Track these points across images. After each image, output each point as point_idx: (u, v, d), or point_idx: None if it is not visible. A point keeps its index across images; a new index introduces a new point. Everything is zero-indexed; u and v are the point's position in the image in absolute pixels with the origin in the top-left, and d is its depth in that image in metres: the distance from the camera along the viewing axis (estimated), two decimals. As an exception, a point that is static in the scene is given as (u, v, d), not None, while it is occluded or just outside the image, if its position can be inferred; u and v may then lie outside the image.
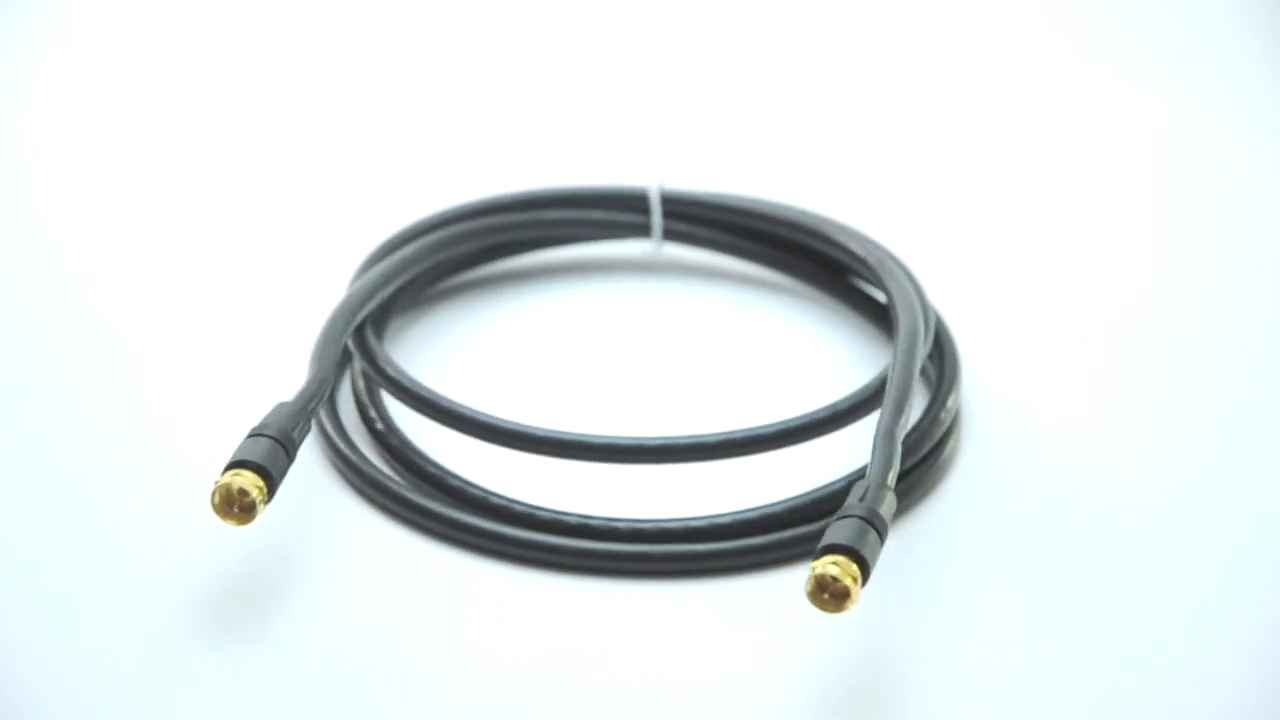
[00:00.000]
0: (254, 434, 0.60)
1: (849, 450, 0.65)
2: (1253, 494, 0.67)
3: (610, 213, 0.79)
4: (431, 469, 0.66)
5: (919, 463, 0.66)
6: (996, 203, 0.89)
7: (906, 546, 0.64)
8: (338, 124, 0.96)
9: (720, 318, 0.78)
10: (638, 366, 0.74)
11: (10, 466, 0.67)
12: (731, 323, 0.78)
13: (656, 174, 0.80)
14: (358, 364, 0.70)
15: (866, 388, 0.65)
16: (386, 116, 0.97)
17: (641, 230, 0.79)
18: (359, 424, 0.69)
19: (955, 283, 0.78)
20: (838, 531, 0.56)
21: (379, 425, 0.68)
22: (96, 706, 0.57)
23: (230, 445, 0.60)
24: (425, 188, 0.85)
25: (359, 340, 0.69)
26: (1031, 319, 0.79)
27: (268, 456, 0.59)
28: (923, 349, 0.66)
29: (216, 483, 0.58)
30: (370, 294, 0.70)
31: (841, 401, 0.65)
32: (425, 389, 0.66)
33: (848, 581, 0.55)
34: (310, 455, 0.68)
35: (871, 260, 0.73)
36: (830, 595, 0.55)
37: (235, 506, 0.59)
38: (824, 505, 0.62)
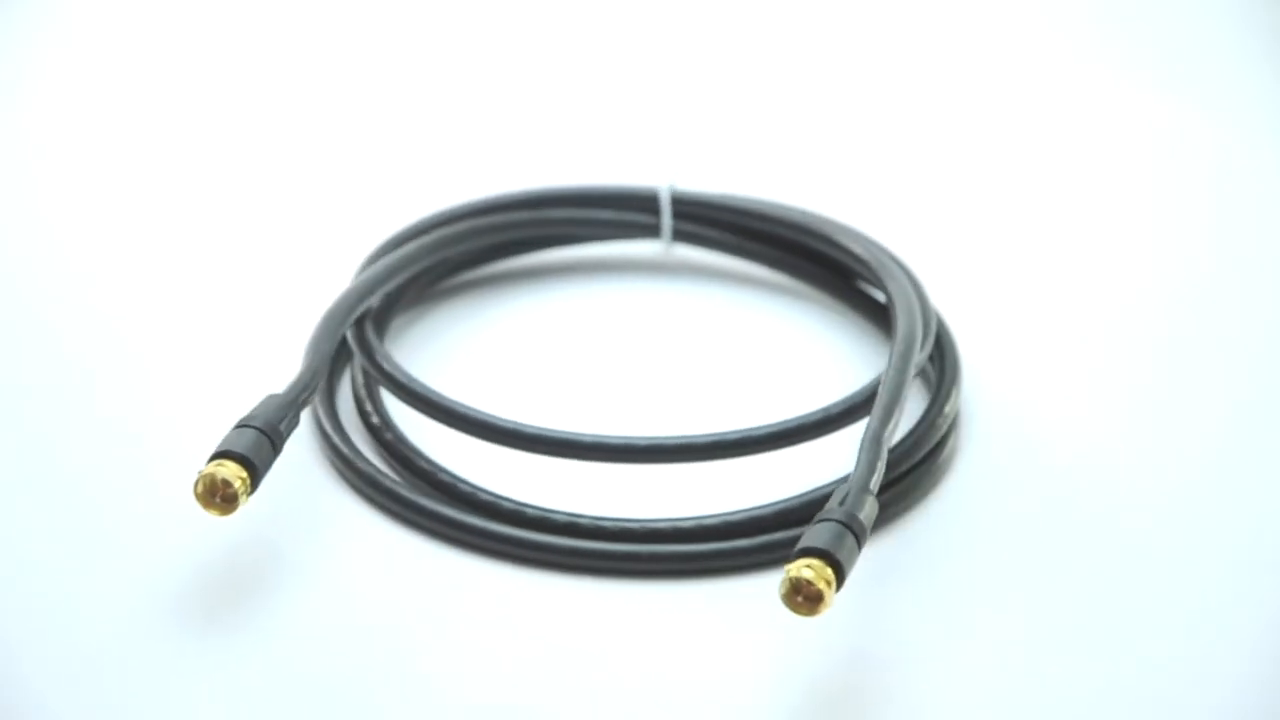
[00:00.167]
0: (240, 425, 0.60)
1: (847, 453, 0.65)
2: (1253, 494, 0.67)
3: (620, 213, 0.79)
4: (423, 464, 0.66)
5: (919, 463, 0.66)
6: (997, 203, 0.89)
7: (906, 546, 0.64)
8: (344, 121, 0.96)
9: (727, 319, 0.78)
10: (641, 366, 0.74)
11: (10, 466, 0.67)
12: (737, 324, 0.77)
13: (667, 174, 0.80)
14: (357, 360, 0.70)
15: (860, 392, 0.65)
16: (396, 113, 0.97)
17: (651, 231, 0.79)
18: (357, 421, 0.69)
19: (955, 283, 0.78)
20: (815, 535, 0.55)
21: (375, 419, 0.68)
22: (97, 706, 0.57)
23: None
24: (435, 185, 0.85)
25: (358, 336, 0.69)
26: (1031, 319, 0.79)
27: (252, 448, 0.59)
28: (919, 354, 0.66)
29: (200, 472, 0.59)
30: (370, 289, 0.70)
31: (834, 405, 0.65)
32: (420, 384, 0.66)
33: (821, 585, 0.55)
34: (309, 452, 0.68)
35: (873, 263, 0.73)
36: (804, 598, 0.55)
37: (218, 497, 0.59)
38: (814, 509, 0.62)
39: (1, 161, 0.91)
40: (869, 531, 0.57)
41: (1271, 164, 0.91)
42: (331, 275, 0.76)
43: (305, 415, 0.69)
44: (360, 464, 0.66)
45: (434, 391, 0.66)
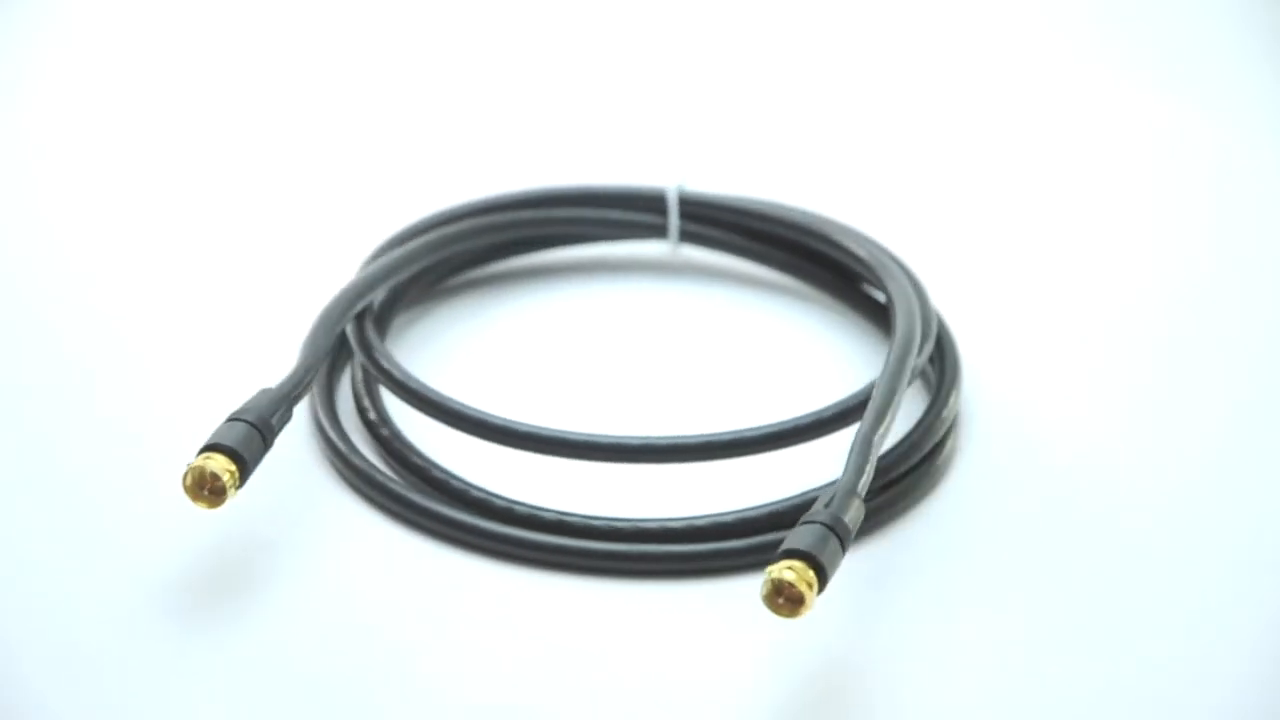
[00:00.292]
0: (232, 418, 0.60)
1: (845, 456, 0.65)
2: (1253, 494, 0.67)
3: (627, 213, 0.79)
4: (418, 461, 0.66)
5: (918, 464, 0.66)
6: (997, 203, 0.89)
7: (906, 547, 0.64)
8: (350, 119, 0.96)
9: (731, 320, 0.78)
10: (643, 366, 0.74)
11: (10, 466, 0.67)
12: (742, 325, 0.77)
13: (674, 175, 0.80)
14: (357, 357, 0.70)
15: (854, 396, 0.65)
16: (404, 110, 0.97)
17: (658, 231, 0.79)
18: (356, 418, 0.69)
19: (956, 283, 0.78)
20: (798, 537, 0.55)
21: (372, 415, 0.68)
22: (98, 706, 0.57)
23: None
24: (443, 183, 0.85)
25: (358, 333, 0.69)
26: (1031, 319, 0.79)
27: (242, 441, 0.60)
28: (915, 358, 0.66)
29: (189, 465, 0.59)
30: (369, 286, 0.70)
31: (827, 409, 0.65)
32: (414, 380, 0.66)
33: (803, 587, 0.54)
34: (307, 449, 0.68)
35: (875, 265, 0.73)
36: (785, 600, 0.55)
37: (206, 489, 0.59)
38: (807, 511, 0.62)
39: (1, 161, 0.91)
40: (854, 534, 0.57)
41: (1271, 164, 0.91)
42: (335, 273, 0.76)
43: (304, 412, 0.69)
44: (356, 460, 0.66)
45: (428, 387, 0.66)
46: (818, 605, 0.60)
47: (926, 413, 0.67)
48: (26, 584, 0.62)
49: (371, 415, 0.68)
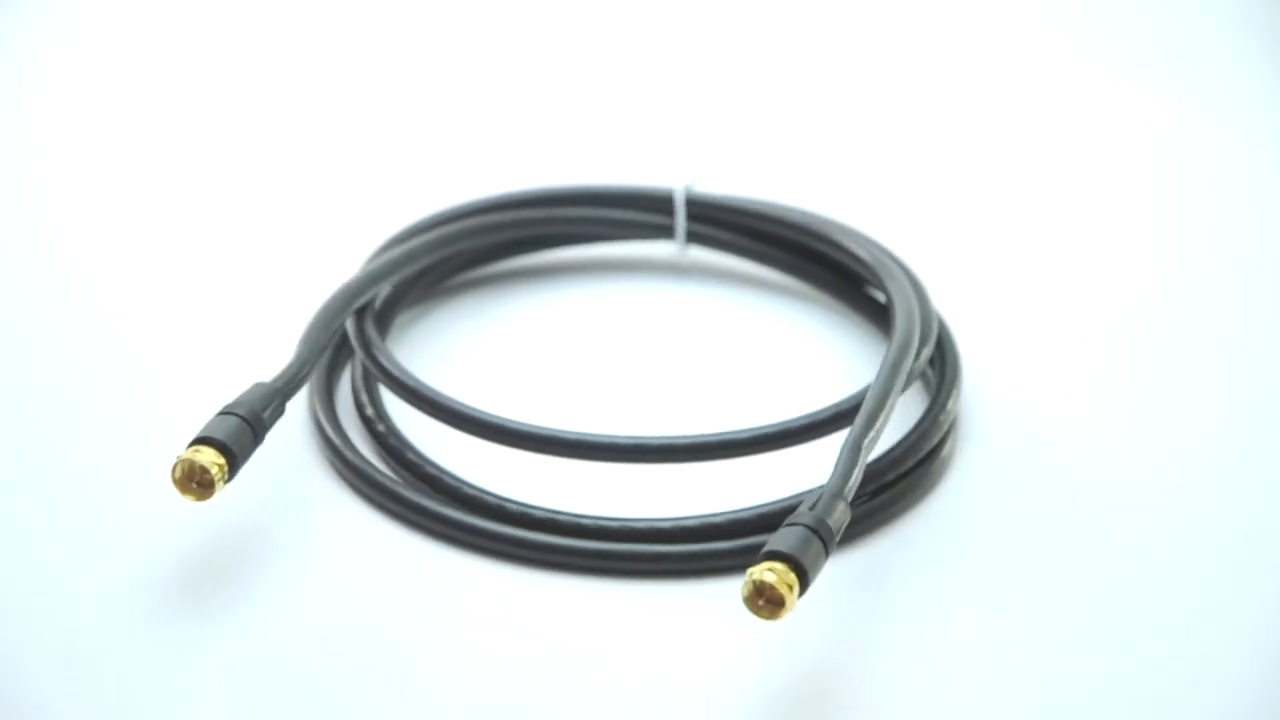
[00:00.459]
0: (223, 412, 0.61)
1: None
2: (1253, 494, 0.67)
3: (634, 213, 0.79)
4: (412, 457, 0.66)
5: (917, 464, 0.66)
6: (997, 203, 0.89)
7: (906, 547, 0.64)
8: (355, 118, 0.96)
9: (737, 321, 0.78)
10: (647, 367, 0.74)
11: (10, 466, 0.67)
12: (748, 326, 0.77)
13: (682, 176, 0.80)
14: (357, 355, 0.70)
15: (850, 399, 0.65)
16: (412, 108, 0.97)
17: (665, 232, 0.79)
18: (355, 415, 0.69)
19: (956, 283, 0.78)
20: (780, 539, 0.55)
21: (369, 411, 0.68)
22: (99, 706, 0.57)
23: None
24: (451, 182, 0.85)
25: (358, 330, 0.69)
26: (1031, 319, 0.79)
27: (232, 435, 0.60)
28: (912, 362, 0.65)
29: (178, 457, 0.59)
30: (369, 283, 0.70)
31: (821, 411, 0.64)
32: (409, 375, 0.66)
33: (783, 589, 0.54)
34: (305, 446, 0.68)
35: (876, 267, 0.73)
36: (766, 601, 0.55)
37: (194, 482, 0.59)
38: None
39: (1, 161, 0.91)
40: (838, 537, 0.56)
41: (1271, 164, 0.91)
42: (339, 272, 0.76)
43: (303, 409, 0.69)
44: (352, 457, 0.66)
45: (423, 384, 0.66)
46: (818, 605, 0.60)
47: (926, 414, 0.67)
48: (26, 583, 0.62)
49: (369, 411, 0.68)
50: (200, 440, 0.60)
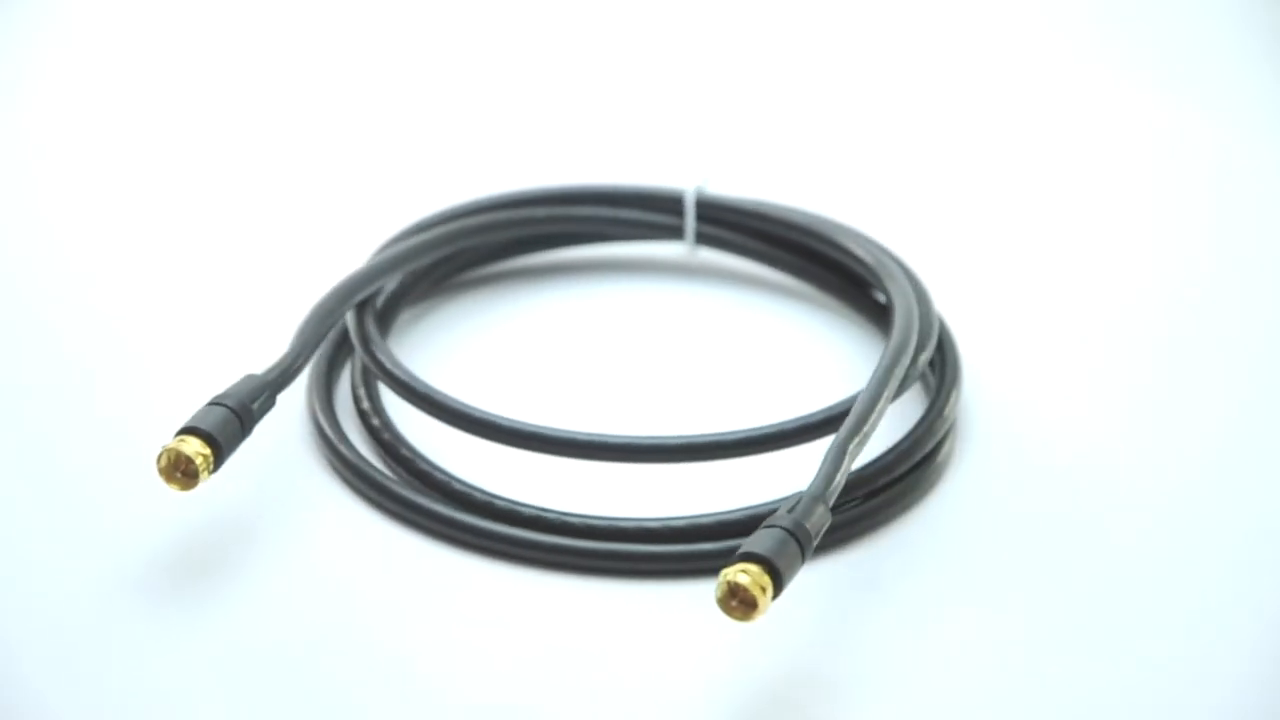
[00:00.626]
0: (212, 402, 0.61)
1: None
2: (1253, 494, 0.67)
3: (644, 213, 0.79)
4: (405, 452, 0.66)
5: (916, 464, 0.66)
6: (997, 203, 0.89)
7: (905, 548, 0.64)
8: (363, 116, 0.96)
9: (744, 323, 0.78)
10: (650, 367, 0.74)
11: (10, 466, 0.67)
12: (753, 328, 0.77)
13: (693, 177, 0.80)
14: (358, 352, 0.70)
15: (843, 402, 0.65)
16: (423, 107, 0.97)
17: (675, 233, 0.79)
18: (353, 411, 0.69)
19: (956, 283, 0.78)
20: (756, 540, 0.55)
21: (365, 404, 0.68)
22: (100, 705, 0.57)
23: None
24: (461, 180, 0.85)
25: (358, 326, 0.69)
26: (1031, 319, 0.79)
27: (218, 426, 0.60)
28: (908, 366, 0.65)
29: (164, 447, 0.59)
30: (370, 279, 0.70)
31: (814, 414, 0.64)
32: (403, 370, 0.66)
33: (755, 591, 0.54)
34: (303, 443, 0.68)
35: (878, 269, 0.73)
36: (739, 603, 0.55)
37: (179, 472, 0.60)
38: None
39: (1, 161, 0.91)
40: (816, 541, 0.56)
41: (1271, 164, 0.91)
42: (345, 270, 0.76)
43: (301, 404, 0.69)
44: (348, 453, 0.66)
45: (416, 378, 0.66)
46: (817, 605, 0.60)
47: (925, 415, 0.67)
48: (26, 583, 0.62)
49: (365, 404, 0.68)
50: (186, 430, 0.60)
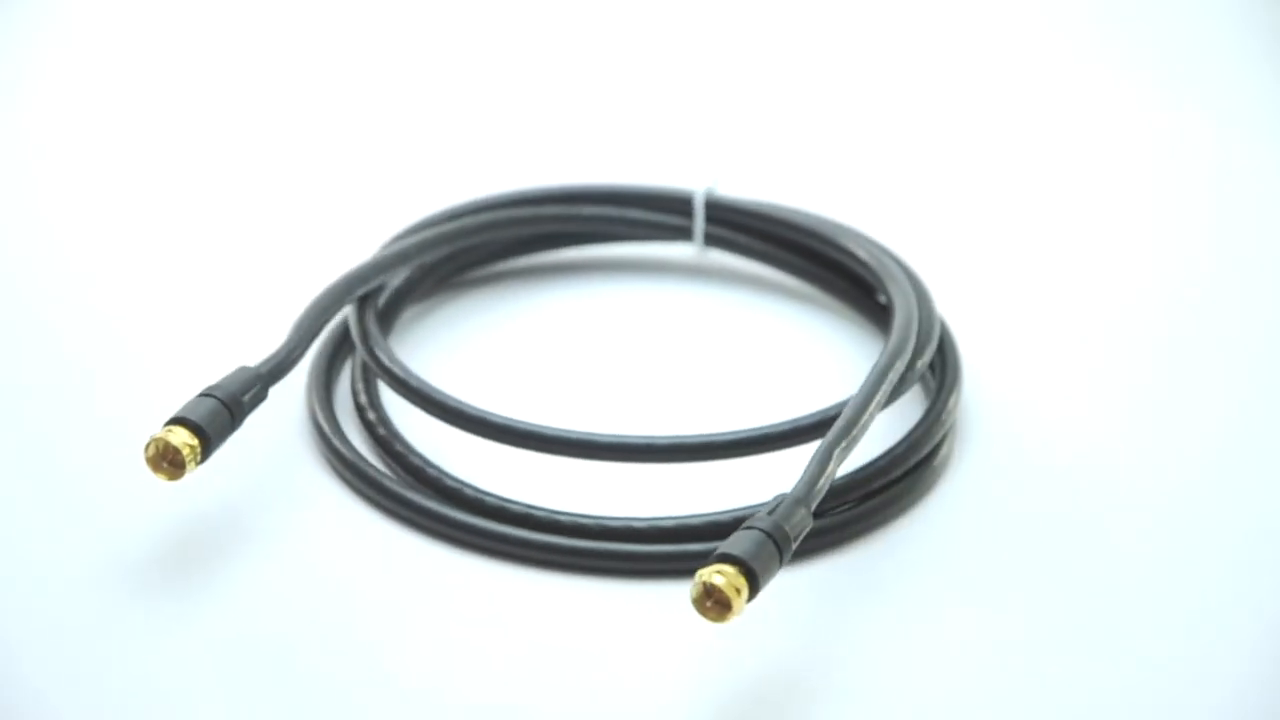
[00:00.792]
0: (202, 393, 0.61)
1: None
2: (1253, 495, 0.67)
3: (653, 213, 0.79)
4: (399, 448, 0.66)
5: (916, 465, 0.66)
6: (997, 203, 0.89)
7: (904, 548, 0.64)
8: (371, 114, 0.96)
9: (749, 325, 0.78)
10: (655, 367, 0.74)
11: (10, 466, 0.67)
12: (759, 330, 0.77)
13: (703, 178, 0.80)
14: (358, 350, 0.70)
15: (835, 405, 0.64)
16: (431, 105, 0.97)
17: (684, 233, 0.79)
18: (352, 408, 0.69)
19: (956, 283, 0.78)
20: (734, 542, 0.55)
21: (362, 399, 0.68)
22: (101, 705, 0.57)
23: (230, 445, 0.61)
24: (471, 178, 0.85)
25: (358, 323, 0.69)
26: (1031, 320, 0.79)
27: (207, 417, 0.60)
28: (901, 371, 0.65)
29: (152, 436, 0.59)
30: (372, 273, 0.70)
31: (807, 417, 0.64)
32: (400, 366, 0.66)
33: (730, 593, 0.54)
34: (302, 440, 0.68)
35: (879, 271, 0.73)
36: (714, 603, 0.54)
37: (166, 461, 0.60)
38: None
39: (1, 161, 0.91)
40: (796, 543, 0.56)
41: (1271, 164, 0.91)
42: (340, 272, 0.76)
43: (300, 401, 0.69)
44: (345, 450, 0.66)
45: (412, 375, 0.66)
46: (817, 605, 0.60)
47: (925, 415, 0.67)
48: (27, 582, 0.62)
49: (362, 399, 0.68)
50: (175, 420, 0.60)
